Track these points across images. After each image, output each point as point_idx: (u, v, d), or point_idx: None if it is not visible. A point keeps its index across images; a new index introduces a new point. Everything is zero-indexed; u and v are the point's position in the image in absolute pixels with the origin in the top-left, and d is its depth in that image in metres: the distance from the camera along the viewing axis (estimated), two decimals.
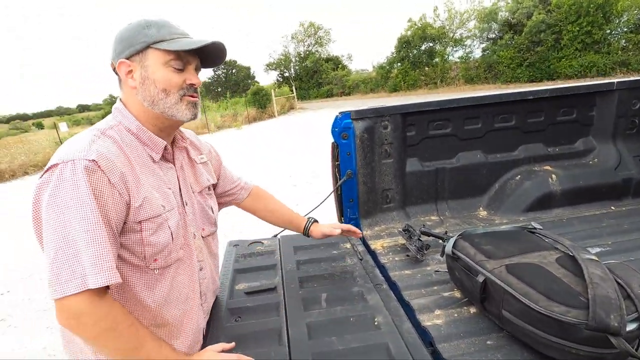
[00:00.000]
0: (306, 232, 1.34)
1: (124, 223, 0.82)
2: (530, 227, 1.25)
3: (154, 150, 0.91)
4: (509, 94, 1.80)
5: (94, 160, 0.76)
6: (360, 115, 1.70)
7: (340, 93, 32.61)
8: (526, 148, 1.93)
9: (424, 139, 1.83)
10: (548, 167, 1.90)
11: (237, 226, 3.66)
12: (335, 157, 1.74)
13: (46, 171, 0.76)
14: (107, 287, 0.78)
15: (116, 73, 0.89)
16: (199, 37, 0.91)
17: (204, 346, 1.02)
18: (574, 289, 0.87)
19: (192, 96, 0.91)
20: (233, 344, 1.00)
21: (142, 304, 0.87)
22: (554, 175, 1.84)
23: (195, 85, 0.91)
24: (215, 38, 0.89)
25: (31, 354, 2.50)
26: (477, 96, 1.80)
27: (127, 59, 0.86)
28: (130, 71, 0.87)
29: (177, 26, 0.90)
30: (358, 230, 1.39)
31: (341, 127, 1.69)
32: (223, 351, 0.98)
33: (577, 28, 18.27)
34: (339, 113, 1.71)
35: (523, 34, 20.24)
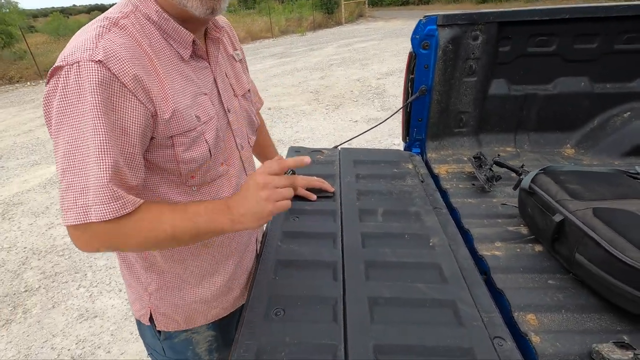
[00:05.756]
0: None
1: (152, 138, 0.70)
2: (632, 171, 1.08)
3: (181, 45, 0.72)
4: None
5: (100, 61, 0.60)
6: (449, 21, 1.46)
7: (418, 1, 28.80)
8: None
9: (519, 56, 1.56)
10: None
11: None
12: (411, 69, 1.57)
13: (51, 76, 0.62)
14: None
15: None
16: None
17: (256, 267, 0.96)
18: None
19: None
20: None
21: None
22: None
23: None
24: None
25: None
26: (601, 5, 1.44)
27: None
28: None
29: None
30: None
31: (423, 34, 1.48)
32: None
33: None
34: (424, 17, 1.48)
35: None
